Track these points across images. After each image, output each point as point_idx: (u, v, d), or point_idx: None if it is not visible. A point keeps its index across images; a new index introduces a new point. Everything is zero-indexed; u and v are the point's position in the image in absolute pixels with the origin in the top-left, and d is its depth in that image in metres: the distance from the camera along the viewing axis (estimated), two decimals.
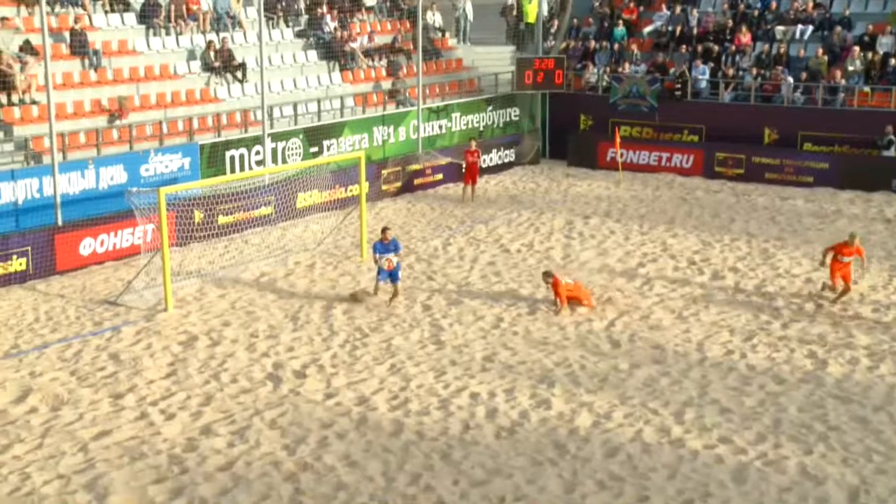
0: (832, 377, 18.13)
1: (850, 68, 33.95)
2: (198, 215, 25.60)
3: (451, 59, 38.38)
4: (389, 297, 21.83)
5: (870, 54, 34.14)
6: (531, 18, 40.04)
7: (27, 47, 27.22)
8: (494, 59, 39.66)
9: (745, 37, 36.37)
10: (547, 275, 21.74)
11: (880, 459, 15.15)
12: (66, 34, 28.92)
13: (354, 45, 35.09)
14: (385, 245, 21.85)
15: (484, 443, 15.66)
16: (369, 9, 37.83)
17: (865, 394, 17.43)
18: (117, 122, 27.49)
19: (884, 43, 34.48)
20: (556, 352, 19.30)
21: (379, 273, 21.80)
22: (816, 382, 17.90)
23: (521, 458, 15.18)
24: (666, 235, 27.42)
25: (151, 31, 31.20)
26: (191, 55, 31.42)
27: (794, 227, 28.40)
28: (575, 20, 40.47)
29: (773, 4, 37.37)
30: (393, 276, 21.73)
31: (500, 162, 35.79)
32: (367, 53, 35.48)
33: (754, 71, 35.30)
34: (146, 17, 31.26)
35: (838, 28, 35.32)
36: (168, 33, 31.51)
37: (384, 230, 22.31)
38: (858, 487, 14.33)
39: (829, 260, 21.64)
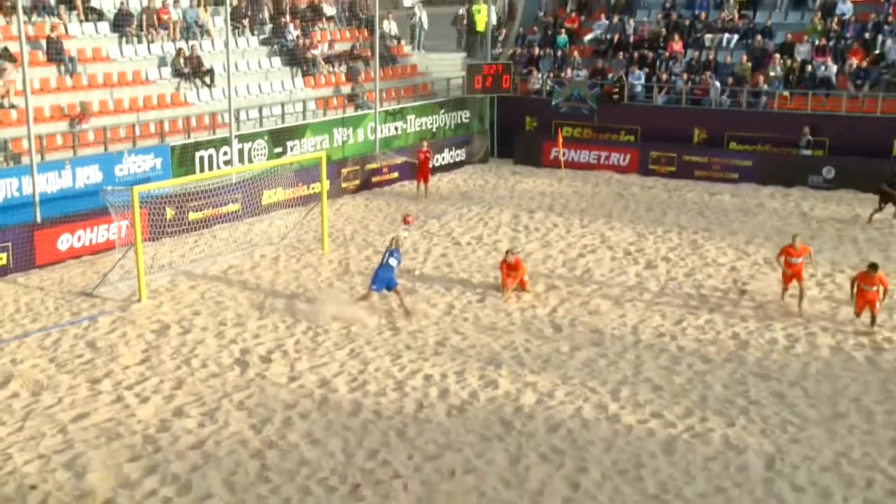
0: (753, 357, 18.44)
1: (772, 74, 34.31)
2: (169, 212, 25.48)
3: (406, 66, 38.40)
4: (400, 307, 20.75)
5: (789, 61, 34.52)
6: (480, 27, 40.20)
7: (5, 54, 26.94)
8: (446, 65, 39.71)
9: (676, 45, 36.68)
10: (510, 252, 22.16)
11: (794, 430, 15.48)
12: (43, 42, 28.61)
13: (316, 53, 35.04)
14: (394, 252, 20.92)
15: (436, 420, 15.82)
16: (329, 18, 37.74)
17: (782, 371, 17.77)
18: (79, 127, 27.28)
19: (801, 51, 34.88)
20: (503, 336, 19.47)
21: (373, 284, 20.80)
22: (739, 361, 18.20)
23: (471, 434, 15.35)
24: (604, 228, 27.63)
25: (124, 39, 30.96)
26: (162, 62, 31.23)
27: (720, 220, 28.68)
28: (521, 29, 40.60)
29: (703, 15, 37.72)
30: (390, 284, 20.70)
31: (451, 161, 35.88)
32: (328, 60, 35.45)
33: (685, 76, 35.60)
34: (119, 25, 31.00)
35: (760, 37, 35.71)
36: (140, 41, 31.30)
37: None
38: (774, 455, 14.64)
39: (783, 263, 21.07)
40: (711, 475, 14.11)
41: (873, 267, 19.56)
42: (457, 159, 36.18)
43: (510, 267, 21.85)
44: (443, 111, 36.91)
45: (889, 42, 33.92)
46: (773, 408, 16.25)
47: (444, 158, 35.45)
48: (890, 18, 34.68)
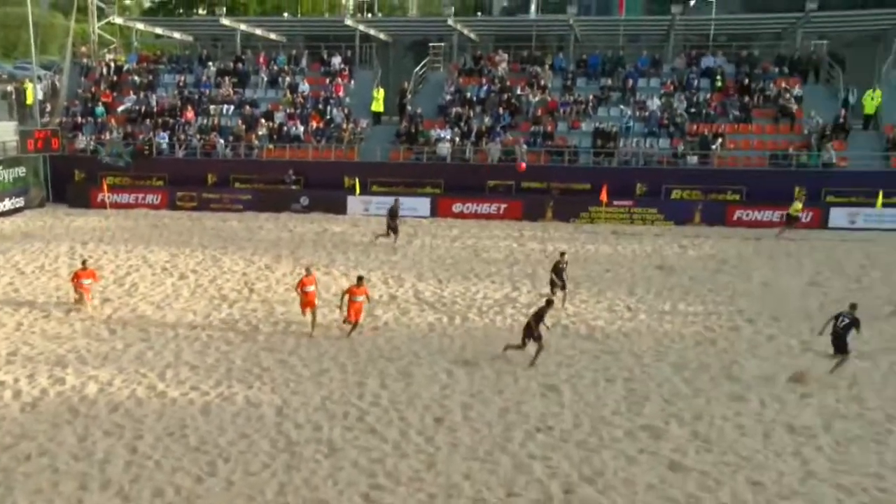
0: (263, 336, 18.27)
1: (260, 133, 34.49)
2: None
3: None
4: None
5: (271, 124, 34.94)
6: (30, 101, 36.18)
7: None
8: (2, 132, 35.12)
9: (189, 113, 35.64)
10: (85, 263, 20.82)
11: (294, 385, 15.62)
12: None
13: None
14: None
15: (11, 417, 13.97)
16: None
17: (283, 344, 17.65)
18: None
19: (279, 117, 35.19)
20: (67, 342, 17.64)
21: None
22: (252, 341, 18.01)
23: (44, 423, 13.76)
24: (145, 252, 26.00)
25: None
26: None
27: (232, 239, 28.12)
28: (66, 102, 37.18)
29: (207, 91, 37.06)
30: None
31: (12, 207, 31.85)
32: None
33: (198, 136, 34.72)
34: None
35: (249, 107, 35.71)
36: None
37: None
38: (282, 405, 14.70)
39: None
40: (238, 426, 13.87)
41: (360, 280, 18.03)
42: (17, 206, 32.22)
43: (86, 275, 19.98)
44: (1, 168, 32.66)
45: (335, 111, 35.57)
46: (279, 371, 16.29)
47: (5, 206, 31.39)
48: (333, 94, 36.39)
